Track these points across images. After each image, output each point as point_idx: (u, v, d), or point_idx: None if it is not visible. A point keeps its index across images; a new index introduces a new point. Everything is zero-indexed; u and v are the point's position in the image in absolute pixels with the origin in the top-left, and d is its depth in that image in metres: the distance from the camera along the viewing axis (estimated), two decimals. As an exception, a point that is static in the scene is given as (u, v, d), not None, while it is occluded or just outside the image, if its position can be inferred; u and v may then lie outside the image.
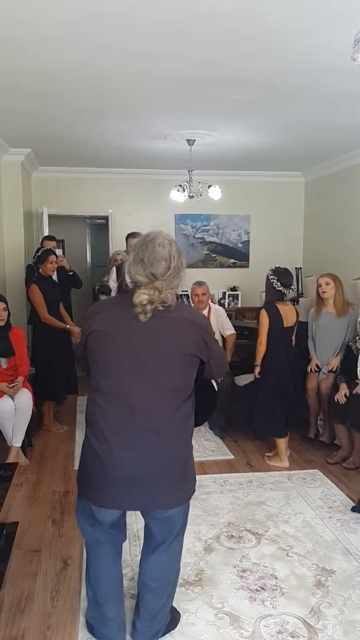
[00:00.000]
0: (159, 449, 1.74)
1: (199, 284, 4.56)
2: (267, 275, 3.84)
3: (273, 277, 3.80)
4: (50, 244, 5.16)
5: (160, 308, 1.68)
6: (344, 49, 2.54)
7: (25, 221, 5.65)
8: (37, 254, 4.55)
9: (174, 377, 1.73)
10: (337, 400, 3.71)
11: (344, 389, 3.72)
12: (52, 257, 4.48)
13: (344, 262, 5.44)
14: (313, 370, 4.19)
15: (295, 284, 5.10)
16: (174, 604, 2.15)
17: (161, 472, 1.76)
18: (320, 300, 4.18)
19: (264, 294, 5.27)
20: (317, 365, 4.19)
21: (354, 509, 3.05)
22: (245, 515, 3.08)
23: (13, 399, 3.78)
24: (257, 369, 3.86)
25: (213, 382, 2.07)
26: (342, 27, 2.47)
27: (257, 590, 2.39)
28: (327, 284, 4.09)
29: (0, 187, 5.26)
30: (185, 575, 2.48)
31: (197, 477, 3.59)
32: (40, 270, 4.50)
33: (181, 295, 6.11)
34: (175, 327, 1.73)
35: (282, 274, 3.80)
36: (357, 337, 3.86)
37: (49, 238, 5.36)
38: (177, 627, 2.13)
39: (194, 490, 1.95)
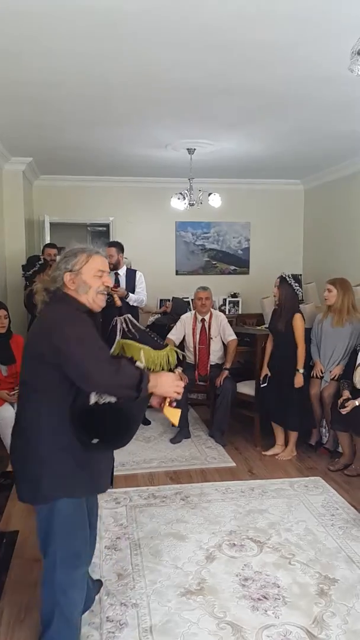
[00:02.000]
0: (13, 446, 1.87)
1: (203, 288, 4.60)
2: (287, 282, 4.02)
3: (296, 284, 4.05)
4: (52, 252, 5.21)
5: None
6: (343, 59, 2.56)
7: (27, 229, 5.68)
8: (38, 263, 4.63)
9: (23, 370, 1.85)
10: (340, 405, 3.68)
11: (346, 396, 3.70)
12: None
13: (344, 268, 5.44)
14: (317, 376, 4.17)
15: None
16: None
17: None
18: (327, 306, 4.16)
19: (265, 300, 5.30)
20: (320, 371, 4.17)
21: None
22: (247, 523, 3.06)
23: (13, 407, 3.77)
24: (301, 377, 3.99)
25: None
26: (341, 37, 2.50)
27: (259, 599, 2.36)
28: (329, 290, 4.08)
29: (2, 196, 5.29)
30: (187, 584, 2.46)
31: (199, 484, 3.63)
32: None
33: (183, 299, 6.12)
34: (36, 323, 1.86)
35: (299, 281, 3.98)
36: None
37: (51, 246, 5.41)
38: (179, 637, 2.11)
39: (44, 496, 1.78)
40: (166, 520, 3.06)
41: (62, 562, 1.82)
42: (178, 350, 2.00)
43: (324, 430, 4.26)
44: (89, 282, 1.81)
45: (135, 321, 2.00)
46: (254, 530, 2.98)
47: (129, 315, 1.95)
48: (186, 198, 5.16)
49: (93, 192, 6.41)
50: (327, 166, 5.80)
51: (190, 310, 5.22)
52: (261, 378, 4.17)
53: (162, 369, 1.90)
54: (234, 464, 3.96)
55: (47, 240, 5.96)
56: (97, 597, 2.32)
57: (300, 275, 6.61)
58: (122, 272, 4.79)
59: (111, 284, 1.88)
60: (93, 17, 2.35)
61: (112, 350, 1.88)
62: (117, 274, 4.77)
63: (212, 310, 4.69)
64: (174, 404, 1.87)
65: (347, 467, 3.79)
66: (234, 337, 4.62)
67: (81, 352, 1.67)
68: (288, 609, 2.29)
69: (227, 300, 6.69)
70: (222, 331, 4.63)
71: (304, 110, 3.74)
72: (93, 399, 1.70)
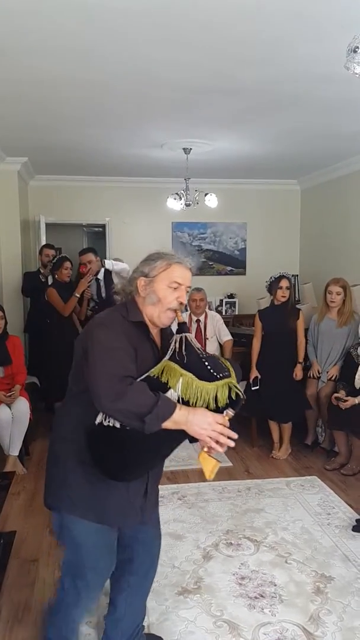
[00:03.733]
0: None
1: (197, 290, 4.61)
2: (291, 282, 4.18)
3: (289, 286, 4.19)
4: (50, 253, 5.22)
5: None
6: (339, 57, 2.56)
7: (22, 230, 5.67)
8: (52, 261, 4.82)
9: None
10: (336, 400, 3.70)
11: (342, 394, 3.72)
12: (67, 264, 4.73)
13: (340, 269, 5.46)
14: (314, 376, 4.19)
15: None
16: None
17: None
18: (326, 306, 4.18)
19: (261, 300, 5.31)
20: (317, 371, 4.18)
21: (355, 529, 2.96)
22: (244, 522, 3.07)
23: (10, 408, 3.77)
24: (301, 368, 4.15)
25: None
26: (339, 35, 2.50)
27: (256, 597, 2.38)
28: (338, 294, 4.08)
29: (-3, 196, 5.28)
30: (184, 583, 2.47)
31: (196, 484, 3.63)
32: (56, 276, 4.75)
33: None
34: None
35: (296, 281, 4.12)
36: (358, 345, 3.87)
37: (49, 246, 5.40)
38: (177, 635, 2.12)
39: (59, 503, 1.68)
40: (163, 520, 3.03)
41: (67, 572, 1.76)
42: (235, 387, 1.55)
43: (320, 430, 4.28)
44: (159, 293, 1.60)
45: (194, 343, 1.60)
46: (250, 529, 2.99)
47: (190, 335, 1.59)
48: (182, 198, 5.17)
49: (89, 193, 6.41)
50: (324, 166, 5.82)
51: (185, 310, 5.23)
52: (251, 380, 4.17)
53: (207, 406, 1.49)
54: (230, 464, 3.97)
55: (43, 241, 5.94)
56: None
57: (297, 275, 6.64)
58: (100, 276, 4.80)
59: (185, 301, 1.64)
60: (87, 14, 2.34)
61: (152, 371, 1.54)
62: (97, 280, 4.77)
63: (207, 311, 4.71)
64: (213, 451, 1.52)
65: (343, 467, 3.81)
66: (229, 337, 4.64)
67: (100, 362, 1.48)
68: (284, 606, 2.31)
69: (224, 301, 6.70)
70: (218, 332, 4.64)
71: (300, 109, 3.75)
72: (98, 418, 1.52)
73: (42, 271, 5.23)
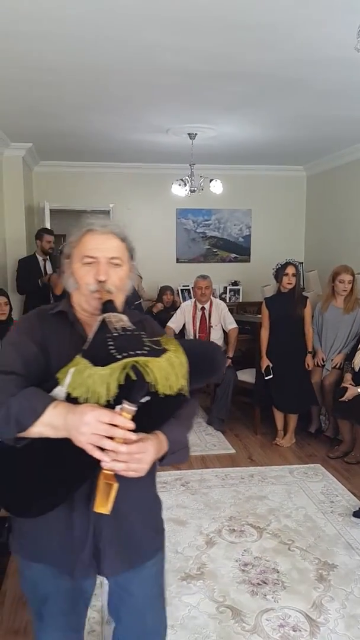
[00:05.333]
0: None
1: (203, 277, 4.58)
2: (298, 269, 4.14)
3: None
4: (51, 239, 5.16)
5: None
6: (347, 41, 2.51)
7: (27, 215, 5.64)
8: (60, 250, 4.72)
9: None
10: (343, 388, 3.69)
11: (348, 380, 3.69)
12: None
13: (346, 256, 5.42)
14: (319, 364, 4.18)
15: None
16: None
17: None
18: (332, 293, 4.15)
19: (266, 288, 5.28)
20: (322, 359, 4.17)
21: (356, 514, 2.96)
22: (247, 509, 3.08)
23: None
24: (311, 357, 4.17)
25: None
26: (345, 18, 2.44)
27: (258, 584, 2.39)
28: (349, 282, 4.05)
29: (1, 182, 5.24)
30: (187, 569, 2.48)
31: (199, 470, 3.65)
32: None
33: (182, 289, 6.11)
34: None
35: (301, 268, 4.13)
36: None
37: (49, 232, 5.28)
38: (179, 620, 2.13)
39: None
40: (166, 506, 3.08)
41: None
42: (142, 365, 1.01)
43: (323, 417, 4.27)
44: (76, 274, 1.26)
45: (115, 322, 1.12)
46: (253, 516, 3.00)
47: (112, 315, 1.15)
48: (187, 184, 5.12)
49: (93, 179, 6.36)
50: (330, 152, 5.73)
51: (190, 298, 5.21)
52: (263, 370, 4.13)
53: (99, 400, 1.01)
54: (233, 451, 3.98)
55: (48, 226, 5.89)
56: (97, 582, 2.34)
57: (302, 263, 6.59)
58: None
59: (103, 278, 1.23)
60: (92, 0, 2.30)
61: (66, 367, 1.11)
62: None
63: (212, 298, 4.68)
64: (110, 472, 1.02)
65: (347, 455, 3.81)
66: (234, 325, 4.62)
67: None
68: (287, 593, 2.32)
69: (228, 288, 6.66)
70: (223, 320, 4.62)
71: (305, 94, 3.68)
72: None
73: (39, 257, 5.15)
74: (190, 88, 3.56)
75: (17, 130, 4.74)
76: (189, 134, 4.74)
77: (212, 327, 4.58)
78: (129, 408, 1.00)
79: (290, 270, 4.05)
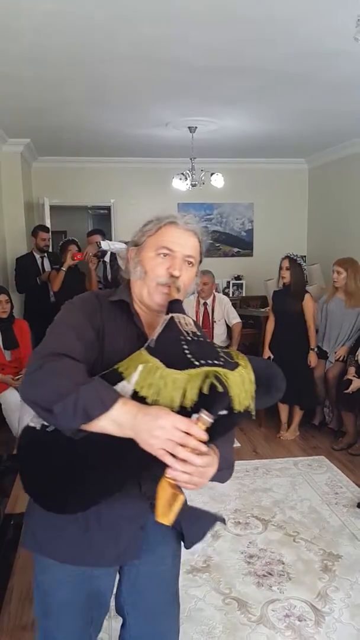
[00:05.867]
0: None
1: (203, 272, 4.55)
2: (296, 262, 4.05)
3: (305, 265, 4.13)
4: (47, 236, 5.13)
5: None
6: (348, 34, 2.49)
7: (26, 212, 5.63)
8: (60, 245, 4.93)
9: None
10: (347, 380, 3.69)
11: (351, 373, 3.70)
12: (73, 247, 4.80)
13: (349, 249, 5.39)
14: (323, 356, 4.17)
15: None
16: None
17: None
18: (334, 286, 4.14)
19: (269, 282, 5.28)
20: (325, 352, 4.17)
21: None
22: (252, 501, 3.09)
23: (18, 391, 3.80)
24: (315, 355, 4.07)
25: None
26: (347, 11, 2.42)
27: (264, 575, 2.40)
28: (338, 273, 4.04)
29: (0, 178, 5.24)
30: (193, 562, 2.49)
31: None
32: (63, 260, 4.76)
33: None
34: None
35: (304, 261, 4.14)
36: None
37: (45, 229, 5.23)
38: (186, 612, 2.15)
39: None
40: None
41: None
42: (222, 377, 0.98)
43: (327, 410, 4.28)
44: (145, 263, 1.20)
45: (184, 325, 1.10)
46: (258, 508, 3.01)
47: (182, 316, 1.11)
48: (188, 178, 5.10)
49: (93, 174, 6.34)
50: (331, 144, 5.70)
51: (192, 294, 5.19)
52: None
53: (172, 405, 0.98)
54: (238, 444, 3.99)
55: (48, 223, 5.87)
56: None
57: (304, 256, 6.57)
58: (107, 258, 4.69)
59: (177, 273, 1.18)
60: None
61: (119, 364, 1.08)
62: (104, 262, 4.72)
63: (215, 293, 4.68)
64: (178, 479, 0.97)
65: (351, 446, 3.82)
66: (238, 320, 4.61)
67: (42, 341, 1.11)
68: (292, 584, 2.33)
69: (231, 282, 6.66)
70: (227, 315, 4.62)
71: (306, 87, 3.66)
72: (26, 419, 1.11)
73: (36, 255, 5.12)
74: (190, 82, 3.54)
75: (15, 126, 4.73)
76: (189, 127, 4.72)
77: (215, 322, 4.58)
78: (206, 419, 0.95)
79: (284, 264, 4.05)
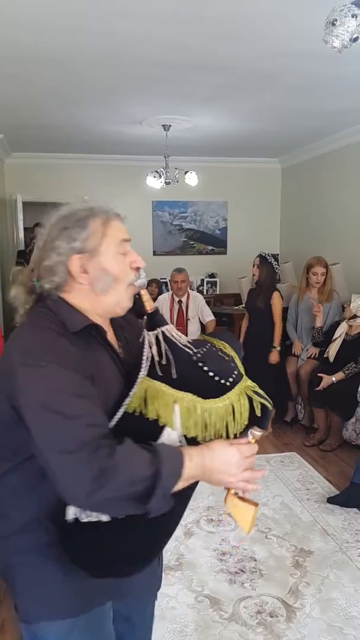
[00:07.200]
0: None
1: (179, 271, 4.56)
2: (267, 261, 4.05)
3: (275, 262, 4.13)
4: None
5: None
6: (318, 35, 2.52)
7: (-1, 208, 5.53)
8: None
9: None
10: (318, 377, 3.75)
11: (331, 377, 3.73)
12: None
13: (321, 247, 5.48)
14: (296, 354, 4.23)
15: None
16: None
17: None
18: (306, 285, 4.19)
19: (242, 280, 5.31)
20: (300, 348, 4.23)
21: (330, 500, 3.01)
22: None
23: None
24: (277, 353, 4.06)
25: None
26: (318, 11, 2.44)
27: (236, 572, 2.42)
28: (322, 274, 4.08)
29: (-29, 174, 5.12)
30: (166, 560, 2.49)
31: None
32: None
33: (159, 281, 6.08)
34: None
35: (276, 260, 4.11)
36: (338, 323, 3.91)
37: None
38: (158, 611, 2.14)
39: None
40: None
41: None
42: (256, 391, 1.03)
43: (299, 407, 4.34)
44: (112, 268, 1.03)
45: (178, 338, 1.04)
46: (231, 506, 3.03)
47: (170, 328, 1.04)
48: (162, 176, 5.09)
49: (67, 171, 6.26)
50: (303, 145, 5.77)
51: (167, 291, 5.20)
52: None
53: (221, 435, 0.98)
54: (212, 442, 4.01)
55: (20, 220, 5.81)
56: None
57: (277, 255, 6.64)
58: None
59: (142, 264, 1.07)
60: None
61: (129, 404, 1.00)
62: None
63: (189, 291, 4.69)
64: (246, 494, 1.06)
65: (322, 443, 3.88)
66: (212, 318, 4.63)
67: (50, 437, 0.90)
68: (264, 581, 2.35)
69: (205, 280, 6.68)
70: (200, 312, 4.63)
71: (280, 86, 3.69)
72: (71, 513, 0.98)
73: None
74: (164, 79, 3.53)
75: (-13, 121, 4.63)
76: (163, 125, 4.71)
77: (189, 319, 4.59)
78: (257, 434, 1.02)
79: (255, 261, 4.12)
